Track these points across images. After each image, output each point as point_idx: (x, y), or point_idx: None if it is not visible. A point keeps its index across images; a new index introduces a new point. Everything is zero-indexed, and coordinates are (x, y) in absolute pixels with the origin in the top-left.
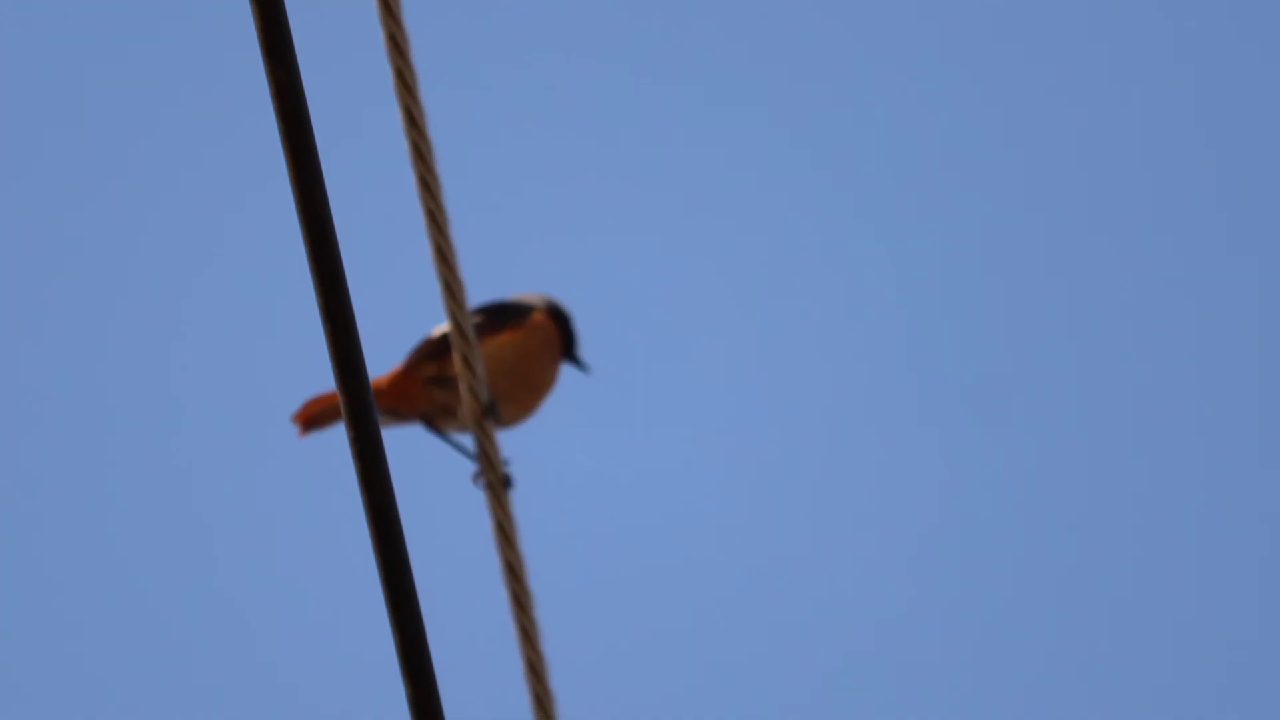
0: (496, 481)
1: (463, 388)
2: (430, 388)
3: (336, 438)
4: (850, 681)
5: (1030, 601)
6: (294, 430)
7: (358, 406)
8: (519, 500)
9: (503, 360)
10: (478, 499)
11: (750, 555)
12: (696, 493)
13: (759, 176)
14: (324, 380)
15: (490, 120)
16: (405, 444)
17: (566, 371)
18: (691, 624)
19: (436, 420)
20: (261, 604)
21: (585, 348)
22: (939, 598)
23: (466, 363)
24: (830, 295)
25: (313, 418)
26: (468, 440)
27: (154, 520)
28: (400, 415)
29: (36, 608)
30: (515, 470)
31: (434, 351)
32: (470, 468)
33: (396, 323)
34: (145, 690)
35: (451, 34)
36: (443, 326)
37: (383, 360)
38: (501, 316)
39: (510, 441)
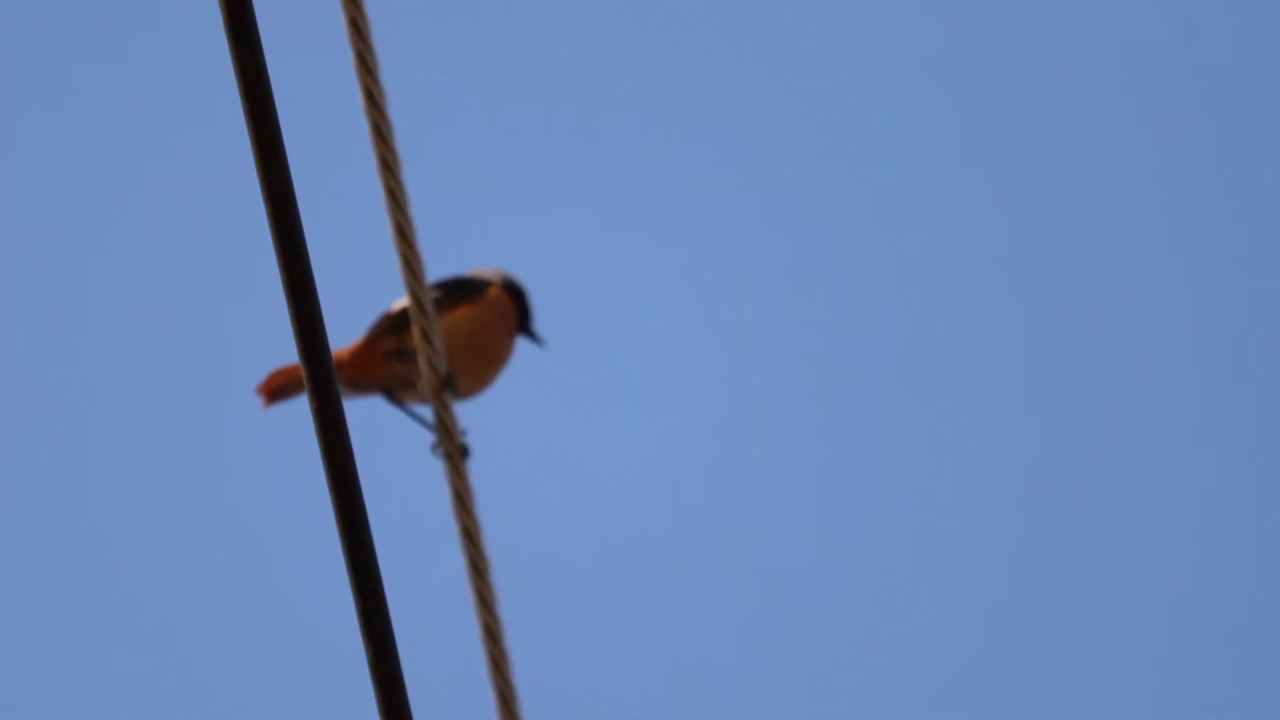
0: (454, 451)
1: (421, 361)
2: (390, 360)
3: (299, 409)
4: (798, 646)
5: (973, 567)
6: (258, 401)
7: (320, 379)
8: (476, 469)
9: (460, 334)
10: (436, 468)
11: (701, 523)
12: (648, 461)
13: (707, 155)
14: (287, 353)
15: (452, 103)
16: (366, 415)
17: (522, 345)
18: (643, 587)
19: (396, 392)
20: (225, 571)
21: (540, 322)
22: (886, 565)
23: (425, 336)
24: (779, 270)
25: (276, 389)
26: (426, 411)
27: (120, 490)
28: (361, 387)
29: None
30: (472, 440)
31: (394, 325)
32: (429, 438)
33: (358, 297)
34: (105, 657)
35: (418, 22)
36: (402, 301)
37: (344, 334)
38: (459, 291)
39: (467, 413)
